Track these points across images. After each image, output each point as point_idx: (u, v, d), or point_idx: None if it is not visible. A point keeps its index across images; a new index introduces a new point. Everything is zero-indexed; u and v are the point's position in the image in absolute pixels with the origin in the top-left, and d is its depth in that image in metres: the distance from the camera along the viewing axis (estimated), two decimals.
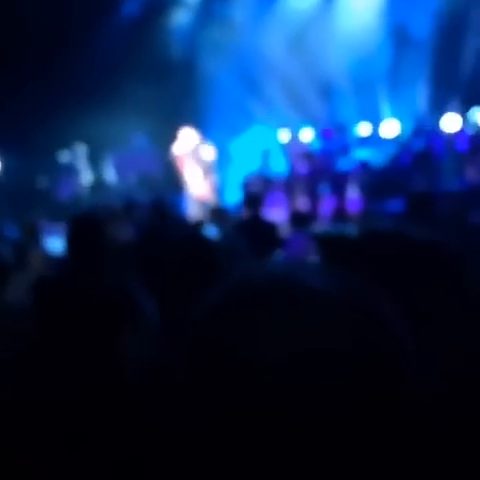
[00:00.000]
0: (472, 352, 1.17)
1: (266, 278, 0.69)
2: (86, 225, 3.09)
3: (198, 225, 6.05)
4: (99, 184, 12.42)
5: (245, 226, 6.50)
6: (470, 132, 10.97)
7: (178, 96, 13.24)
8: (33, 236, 5.99)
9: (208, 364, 0.65)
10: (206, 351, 0.65)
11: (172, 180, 11.64)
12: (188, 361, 0.67)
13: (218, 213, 6.98)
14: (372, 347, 0.65)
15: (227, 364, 0.64)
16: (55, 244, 5.49)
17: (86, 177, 12.36)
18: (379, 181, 10.51)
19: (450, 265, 1.26)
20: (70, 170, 12.25)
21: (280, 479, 0.61)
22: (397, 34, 12.65)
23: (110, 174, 12.56)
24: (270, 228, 6.62)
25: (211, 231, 4.79)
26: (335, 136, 11.96)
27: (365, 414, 0.62)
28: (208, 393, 0.64)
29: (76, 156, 12.27)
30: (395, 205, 6.83)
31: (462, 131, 11.13)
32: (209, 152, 11.66)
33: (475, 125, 10.97)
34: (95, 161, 12.37)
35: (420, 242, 1.32)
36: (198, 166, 11.37)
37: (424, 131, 11.39)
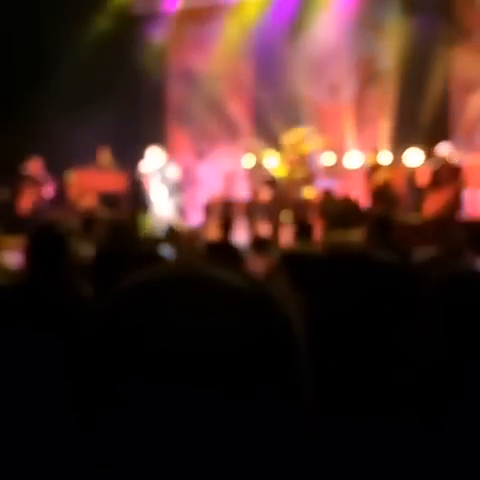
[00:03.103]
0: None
1: (171, 271, 0.81)
2: (48, 238, 3.08)
3: (155, 244, 6.04)
4: (61, 199, 12.32)
5: (216, 248, 6.50)
6: (433, 167, 10.98)
7: (147, 115, 13.27)
8: None
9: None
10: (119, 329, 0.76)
11: (136, 199, 11.63)
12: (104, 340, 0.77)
13: (192, 236, 6.93)
14: (261, 326, 0.76)
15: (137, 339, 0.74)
16: (13, 257, 5.44)
17: (47, 191, 12.25)
18: (341, 210, 10.62)
19: (407, 283, 1.37)
20: (32, 183, 12.12)
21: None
22: (363, 66, 12.85)
23: (73, 189, 12.46)
24: (237, 251, 6.62)
25: (166, 250, 4.80)
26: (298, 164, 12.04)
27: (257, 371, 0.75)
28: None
29: (36, 169, 12.15)
30: (355, 234, 6.94)
31: (423, 166, 11.30)
32: (175, 172, 11.68)
33: (441, 160, 10.88)
34: (59, 175, 12.27)
35: (382, 262, 1.41)
36: (164, 186, 11.38)
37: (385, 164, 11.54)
